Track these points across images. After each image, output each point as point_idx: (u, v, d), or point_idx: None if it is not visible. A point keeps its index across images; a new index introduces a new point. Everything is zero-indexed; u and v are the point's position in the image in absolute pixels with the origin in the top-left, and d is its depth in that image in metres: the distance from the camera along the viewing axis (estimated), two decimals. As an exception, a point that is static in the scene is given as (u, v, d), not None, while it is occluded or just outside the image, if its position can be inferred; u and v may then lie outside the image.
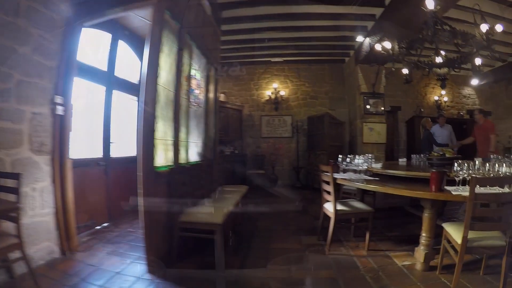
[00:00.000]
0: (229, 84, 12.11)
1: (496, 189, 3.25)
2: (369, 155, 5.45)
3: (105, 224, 5.91)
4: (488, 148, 7.73)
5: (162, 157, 4.26)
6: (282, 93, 11.94)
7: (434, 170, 3.54)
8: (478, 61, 6.09)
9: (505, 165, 3.39)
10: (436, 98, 12.62)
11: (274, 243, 4.97)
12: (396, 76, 12.00)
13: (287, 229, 5.84)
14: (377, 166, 5.20)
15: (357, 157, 5.05)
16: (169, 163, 4.48)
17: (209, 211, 4.21)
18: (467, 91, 13.64)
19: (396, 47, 5.98)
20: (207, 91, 6.75)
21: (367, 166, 4.90)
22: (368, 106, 10.07)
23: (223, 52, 10.44)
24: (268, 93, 12.02)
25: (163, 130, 4.31)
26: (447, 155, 5.53)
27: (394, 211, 6.79)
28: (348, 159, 5.16)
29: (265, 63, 12.12)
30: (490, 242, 3.09)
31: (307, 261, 4.24)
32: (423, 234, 3.88)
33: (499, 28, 5.22)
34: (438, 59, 5.85)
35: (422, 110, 11.95)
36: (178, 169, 4.73)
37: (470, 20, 5.88)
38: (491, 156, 5.24)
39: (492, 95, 13.90)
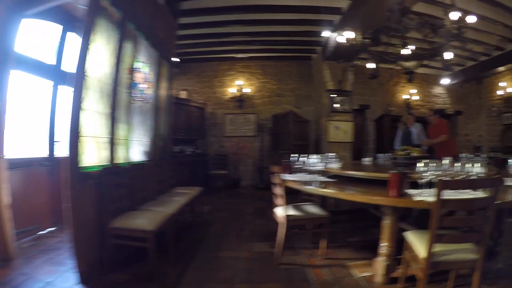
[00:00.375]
0: (192, 81, 11.88)
1: (468, 193, 2.93)
2: (331, 154, 5.25)
3: (50, 229, 5.58)
4: (447, 148, 7.62)
5: (94, 156, 3.97)
6: (247, 90, 11.76)
7: (393, 172, 3.10)
8: (448, 55, 5.96)
9: (478, 165, 3.14)
10: (405, 96, 12.61)
11: (223, 251, 4.70)
12: (364, 74, 12.04)
13: (240, 235, 5.59)
14: (335, 166, 4.93)
15: (311, 156, 4.66)
16: (103, 163, 4.19)
17: (143, 216, 3.94)
18: (437, 90, 13.78)
19: (360, 37, 5.79)
20: (158, 86, 6.47)
21: (323, 166, 4.56)
22: (334, 104, 9.94)
23: (185, 47, 10.20)
24: (232, 90, 11.81)
25: (95, 127, 4.02)
26: (413, 154, 5.34)
27: (359, 213, 6.57)
28: (304, 159, 4.74)
29: (230, 59, 11.94)
30: (460, 255, 2.73)
31: (254, 272, 3.93)
32: (383, 244, 3.50)
33: (471, 19, 5.10)
34: (405, 51, 5.70)
35: (391, 108, 11.90)
36: (114, 169, 4.44)
37: (441, 17, 5.74)
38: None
39: (463, 94, 14.09)
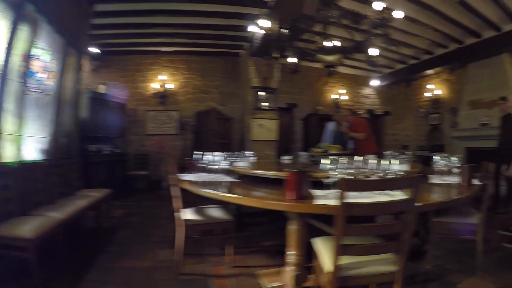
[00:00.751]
0: (114, 74, 11.26)
1: (385, 195, 2.47)
2: (248, 152, 5.04)
3: None
4: (367, 148, 7.68)
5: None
6: (170, 86, 11.42)
7: (291, 170, 2.52)
8: (373, 51, 5.91)
9: (396, 162, 2.88)
10: (334, 96, 12.79)
11: (124, 261, 4.31)
12: (287, 72, 12.08)
13: (147, 241, 5.25)
14: (241, 165, 4.66)
15: (216, 153, 4.33)
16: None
17: (29, 223, 3.55)
18: (367, 91, 14.18)
19: (277, 27, 5.62)
20: (62, 77, 6.02)
21: (228, 165, 4.17)
22: (259, 102, 9.86)
23: (105, 38, 9.70)
24: (155, 86, 11.40)
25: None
26: (331, 151, 5.17)
27: (281, 213, 6.35)
28: (209, 156, 4.31)
29: (154, 53, 11.52)
30: (375, 268, 2.32)
31: (151, 285, 3.60)
32: (291, 252, 2.85)
33: (399, 14, 5.07)
34: (327, 43, 5.61)
35: (319, 108, 12.02)
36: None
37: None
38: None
39: (392, 96, 14.61)
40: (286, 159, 6.05)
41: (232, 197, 2.94)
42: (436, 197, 2.89)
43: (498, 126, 7.36)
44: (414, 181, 2.22)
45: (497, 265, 4.01)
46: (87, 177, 6.98)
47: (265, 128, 9.91)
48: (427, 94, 13.02)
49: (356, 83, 13.85)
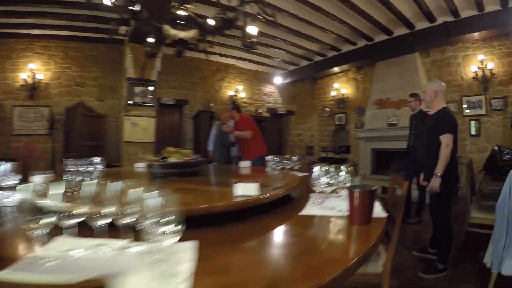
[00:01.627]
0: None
1: None
2: (97, 159, 4.09)
3: None
4: (254, 148, 7.16)
5: None
6: (40, 76, 9.95)
7: None
8: (252, 29, 5.27)
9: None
10: (232, 93, 12.24)
11: None
12: (186, 64, 11.41)
13: None
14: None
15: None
16: None
17: None
18: (269, 88, 13.69)
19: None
20: None
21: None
22: (134, 96, 8.90)
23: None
24: (24, 76, 9.84)
25: None
26: (172, 160, 3.57)
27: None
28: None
29: (27, 36, 9.92)
30: None
31: None
32: None
33: None
34: (181, 12, 4.87)
35: (211, 105, 11.39)
36: None
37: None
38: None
39: (297, 94, 14.24)
40: (140, 166, 4.80)
41: None
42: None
43: (408, 126, 6.93)
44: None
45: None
46: None
47: (140, 128, 8.82)
48: (333, 93, 12.76)
49: (256, 79, 13.28)
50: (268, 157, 3.83)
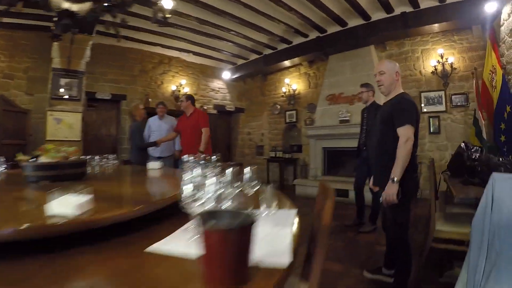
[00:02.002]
0: None
1: None
2: None
3: None
4: (198, 146, 6.37)
5: None
6: None
7: None
8: (166, 3, 4.52)
9: None
10: (174, 88, 11.38)
11: None
12: (124, 56, 10.50)
13: None
14: None
15: None
16: None
17: None
18: (217, 84, 12.94)
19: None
20: None
21: None
22: (59, 89, 7.87)
23: None
24: None
25: None
26: (45, 160, 2.87)
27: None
28: None
29: None
30: None
31: None
32: None
33: None
34: None
35: (150, 100, 10.48)
36: None
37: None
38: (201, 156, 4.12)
39: (246, 90, 13.61)
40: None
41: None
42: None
43: (360, 121, 6.24)
44: None
45: None
46: None
47: (64, 124, 7.77)
48: (284, 89, 12.09)
49: (203, 74, 12.44)
50: (184, 156, 3.06)
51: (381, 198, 3.18)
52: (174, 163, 7.53)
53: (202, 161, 2.27)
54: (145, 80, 10.88)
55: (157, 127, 7.65)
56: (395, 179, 3.01)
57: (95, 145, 9.54)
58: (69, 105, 7.94)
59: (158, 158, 6.94)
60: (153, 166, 4.24)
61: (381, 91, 3.43)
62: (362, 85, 5.99)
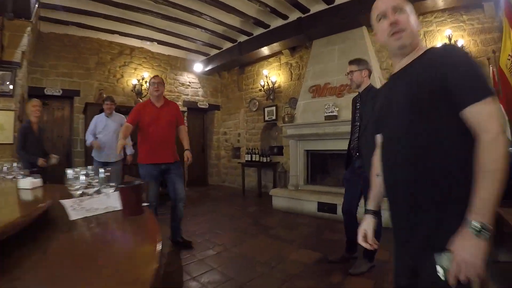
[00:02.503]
0: None
1: None
2: None
3: None
4: (174, 146, 5.17)
5: None
6: None
7: None
8: None
9: None
10: (135, 82, 10.08)
11: None
12: (77, 47, 9.20)
13: None
14: None
15: None
16: None
17: None
18: (187, 78, 11.67)
19: None
20: None
21: None
22: None
23: None
24: None
25: None
26: None
27: None
28: None
29: None
30: None
31: None
32: None
33: None
34: None
35: (104, 95, 9.12)
36: None
37: None
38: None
39: (222, 85, 12.42)
40: None
41: None
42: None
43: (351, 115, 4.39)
44: None
45: None
46: None
47: None
48: (262, 83, 10.72)
49: (170, 66, 11.22)
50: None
51: (439, 271, 1.37)
52: (123, 170, 6.32)
53: None
54: (102, 74, 9.63)
55: (104, 127, 6.57)
56: (485, 223, 1.28)
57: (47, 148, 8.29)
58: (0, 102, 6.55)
59: (104, 164, 5.65)
60: (24, 184, 2.78)
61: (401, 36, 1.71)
62: (352, 62, 4.20)
